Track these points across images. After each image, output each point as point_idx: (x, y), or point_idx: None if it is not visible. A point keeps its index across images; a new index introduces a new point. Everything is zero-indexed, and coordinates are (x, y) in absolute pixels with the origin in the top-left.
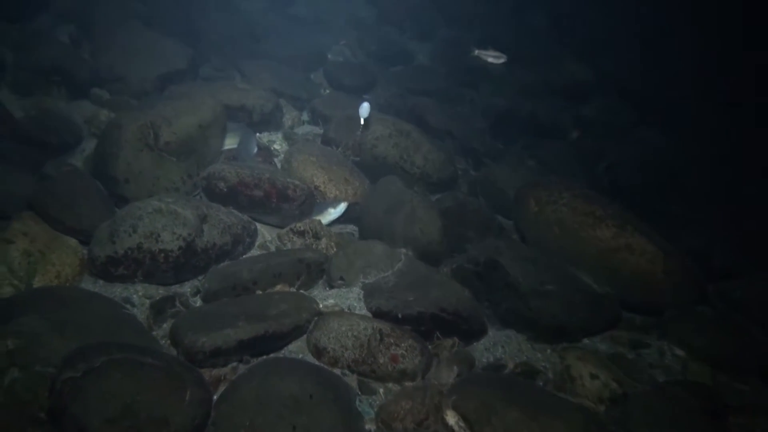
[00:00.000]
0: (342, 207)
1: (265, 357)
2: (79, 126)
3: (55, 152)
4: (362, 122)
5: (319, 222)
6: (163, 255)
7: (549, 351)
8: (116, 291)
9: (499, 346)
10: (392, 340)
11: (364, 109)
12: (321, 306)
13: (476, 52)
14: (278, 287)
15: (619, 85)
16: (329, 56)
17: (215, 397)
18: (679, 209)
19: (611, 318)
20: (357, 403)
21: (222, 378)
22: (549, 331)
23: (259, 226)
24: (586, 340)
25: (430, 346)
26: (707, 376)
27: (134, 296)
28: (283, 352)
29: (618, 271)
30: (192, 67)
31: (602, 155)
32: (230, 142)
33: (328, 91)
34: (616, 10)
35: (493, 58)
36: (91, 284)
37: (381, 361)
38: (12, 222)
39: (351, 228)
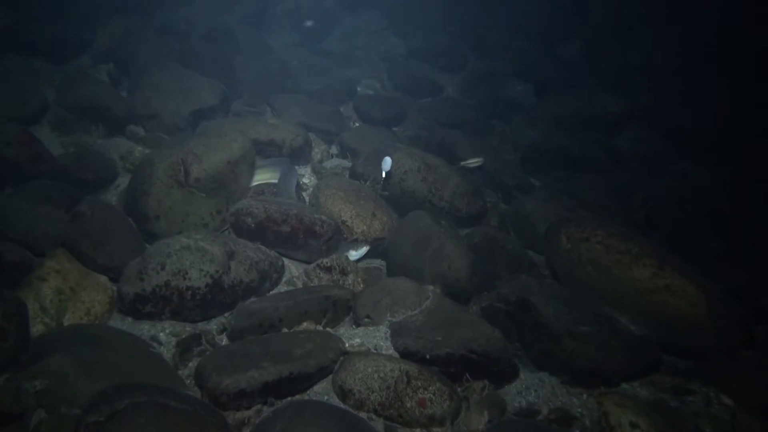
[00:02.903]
0: (363, 250)
1: (289, 399)
2: (115, 162)
3: (91, 188)
4: (383, 175)
5: (347, 258)
6: (190, 292)
7: (585, 396)
8: (144, 328)
9: (532, 389)
10: (420, 383)
11: (387, 163)
12: (347, 345)
13: (461, 163)
14: (304, 325)
15: (653, 117)
16: (359, 89)
17: None
18: (719, 246)
19: (651, 362)
20: None
21: (245, 421)
22: (584, 374)
23: (286, 261)
24: (624, 385)
25: (459, 389)
26: (758, 427)
27: (161, 334)
28: (308, 393)
29: (657, 313)
30: (224, 103)
31: (637, 189)
32: (271, 177)
33: (357, 124)
34: (649, 40)
35: (473, 162)
36: (119, 321)
37: (408, 405)
38: (46, 260)
39: (378, 263)
